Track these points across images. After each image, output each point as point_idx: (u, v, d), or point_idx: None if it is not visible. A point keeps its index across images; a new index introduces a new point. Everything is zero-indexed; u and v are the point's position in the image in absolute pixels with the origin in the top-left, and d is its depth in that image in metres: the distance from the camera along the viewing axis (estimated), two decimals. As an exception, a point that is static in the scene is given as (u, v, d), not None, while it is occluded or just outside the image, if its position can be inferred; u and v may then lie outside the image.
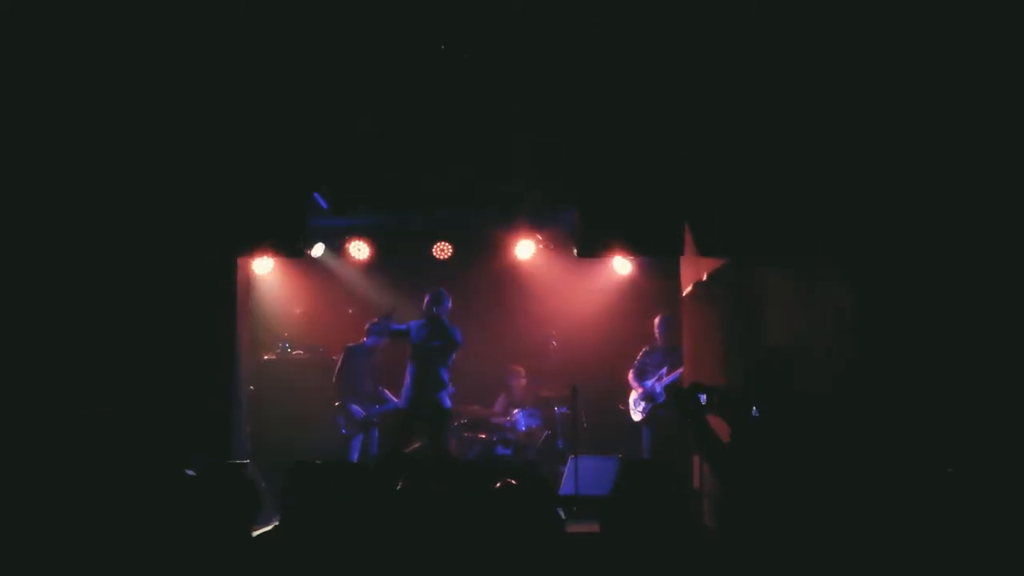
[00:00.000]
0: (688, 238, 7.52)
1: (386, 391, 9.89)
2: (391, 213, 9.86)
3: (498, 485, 4.28)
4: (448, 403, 8.77)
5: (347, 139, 7.50)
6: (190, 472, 5.93)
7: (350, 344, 9.92)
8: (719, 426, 4.98)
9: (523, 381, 10.70)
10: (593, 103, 7.03)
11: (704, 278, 7.44)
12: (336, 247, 10.45)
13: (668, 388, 9.26)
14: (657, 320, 9.58)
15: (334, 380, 9.83)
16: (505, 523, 4.15)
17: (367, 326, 9.90)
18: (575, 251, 7.93)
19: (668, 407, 9.16)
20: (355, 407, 9.65)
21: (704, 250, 7.21)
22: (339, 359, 9.93)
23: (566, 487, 8.55)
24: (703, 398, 5.12)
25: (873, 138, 5.56)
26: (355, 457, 9.58)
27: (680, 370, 8.96)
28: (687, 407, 5.01)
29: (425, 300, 8.84)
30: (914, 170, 5.39)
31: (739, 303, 6.79)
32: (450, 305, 8.88)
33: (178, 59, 6.63)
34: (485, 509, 4.26)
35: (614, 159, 7.33)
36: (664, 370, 9.39)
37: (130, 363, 7.11)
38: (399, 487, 4.96)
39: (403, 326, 8.90)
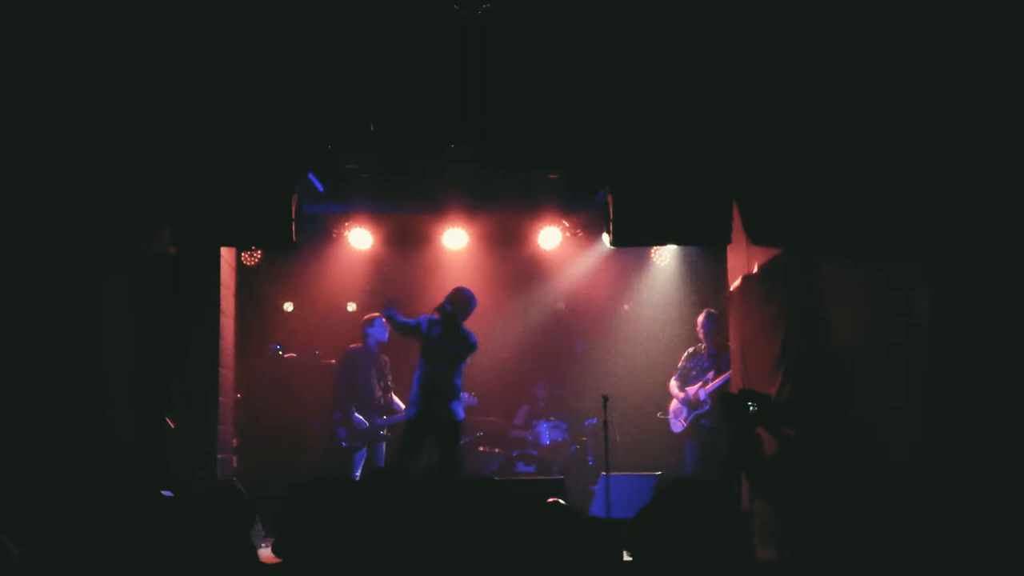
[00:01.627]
0: (737, 224, 7.45)
1: (395, 399, 9.83)
2: (396, 196, 9.77)
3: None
4: (462, 414, 8.64)
5: (346, 109, 7.42)
6: (167, 493, 5.92)
7: (352, 346, 9.87)
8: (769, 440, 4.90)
9: (546, 390, 10.66)
10: (630, 66, 6.94)
11: (755, 270, 7.38)
12: (334, 235, 10.39)
13: (715, 395, 9.17)
14: (701, 318, 9.49)
15: (334, 387, 9.78)
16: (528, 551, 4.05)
17: (362, 323, 9.85)
18: (608, 239, 7.82)
19: (714, 417, 9.09)
20: (358, 417, 9.60)
21: (756, 238, 7.13)
22: (339, 363, 9.87)
23: (596, 509, 8.50)
24: (753, 408, 5.05)
25: (967, 120, 5.46)
26: (358, 475, 9.51)
27: (727, 375, 8.90)
28: (734, 416, 4.94)
29: (448, 298, 8.61)
30: (1012, 158, 5.28)
31: (795, 299, 6.71)
32: (473, 311, 8.70)
33: (149, 34, 6.64)
34: (503, 535, 4.20)
35: (653, 132, 7.23)
36: (710, 375, 9.30)
37: (94, 369, 7.03)
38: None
39: (411, 320, 8.69)
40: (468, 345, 8.51)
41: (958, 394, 5.37)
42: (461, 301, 8.54)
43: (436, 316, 8.54)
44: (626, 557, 4.62)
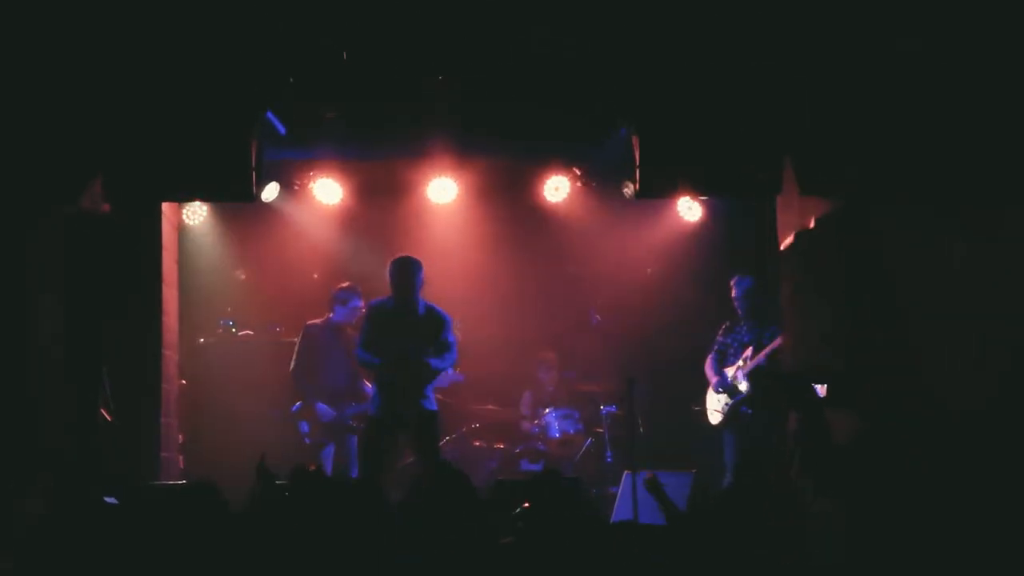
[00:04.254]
0: (789, 171, 7.44)
1: (368, 384, 9.86)
2: (371, 140, 9.74)
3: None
4: (434, 404, 8.77)
5: (310, 33, 7.39)
6: (111, 500, 5.96)
7: (310, 321, 9.91)
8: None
9: (555, 372, 10.67)
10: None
11: (811, 225, 7.36)
12: (296, 188, 10.38)
13: (753, 376, 9.22)
14: (733, 284, 9.50)
15: (291, 370, 9.82)
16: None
17: (333, 293, 9.86)
18: (631, 191, 7.80)
19: (755, 403, 9.15)
20: (322, 406, 9.63)
21: (813, 188, 7.13)
22: (297, 343, 9.91)
23: (620, 513, 8.55)
24: (821, 390, 5.10)
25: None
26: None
27: (768, 349, 8.99)
28: (799, 401, 4.97)
29: (389, 272, 8.72)
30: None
31: (861, 259, 6.70)
32: (423, 276, 8.76)
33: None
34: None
35: (688, 57, 7.20)
36: (748, 352, 9.33)
37: (17, 352, 7.05)
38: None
39: (366, 323, 8.88)
40: (435, 323, 8.69)
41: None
42: (401, 269, 8.69)
43: (387, 298, 8.79)
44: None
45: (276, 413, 10.01)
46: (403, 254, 8.82)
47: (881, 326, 6.40)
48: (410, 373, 8.62)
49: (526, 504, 4.49)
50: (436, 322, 8.75)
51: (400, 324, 8.67)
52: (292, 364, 9.82)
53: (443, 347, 8.74)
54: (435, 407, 8.83)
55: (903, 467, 5.15)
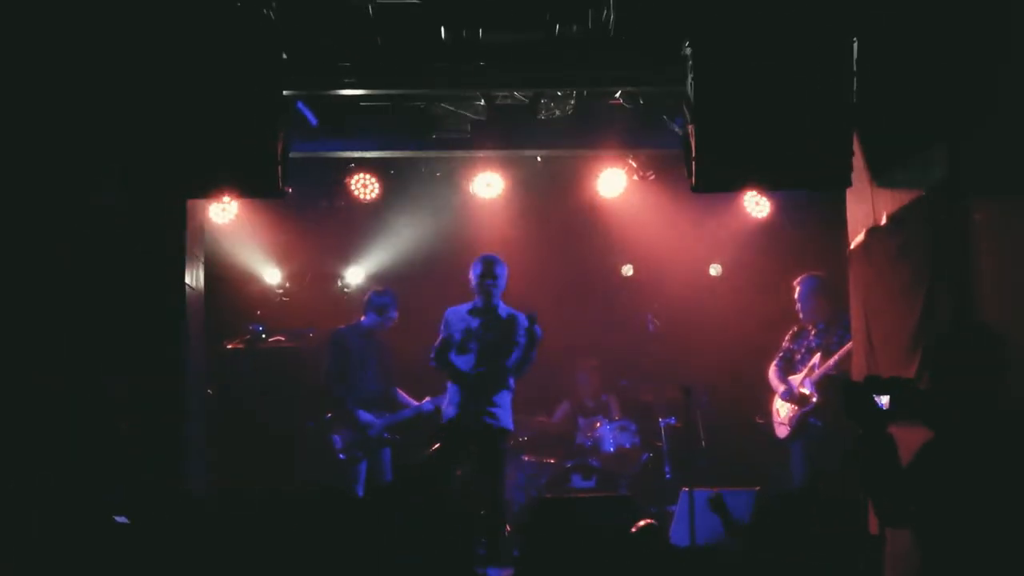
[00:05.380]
0: (860, 162, 7.33)
1: (401, 392, 9.91)
2: (411, 132, 9.77)
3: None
4: (511, 423, 8.90)
5: (344, 16, 7.40)
6: (122, 520, 6.00)
7: (340, 327, 10.01)
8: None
9: (596, 380, 10.74)
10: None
11: (883, 221, 7.30)
12: (332, 185, 10.43)
13: (821, 384, 9.17)
14: (797, 285, 9.46)
15: (324, 378, 9.89)
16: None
17: (368, 297, 9.96)
18: (692, 184, 7.76)
19: (825, 414, 9.10)
20: (364, 414, 9.64)
21: (886, 179, 7.06)
22: (327, 350, 9.99)
23: (677, 533, 8.55)
24: (883, 402, 5.02)
25: None
26: (362, 492, 9.60)
27: (839, 355, 8.98)
28: (856, 413, 4.90)
29: (472, 273, 8.79)
30: None
31: (939, 257, 6.61)
32: (506, 277, 8.83)
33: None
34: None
35: (751, 39, 7.10)
36: (816, 359, 9.27)
37: (31, 361, 7.12)
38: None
39: (442, 327, 8.91)
40: (516, 331, 8.79)
41: None
42: (486, 270, 8.82)
43: (470, 305, 8.89)
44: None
45: (310, 424, 10.08)
46: (487, 253, 8.96)
47: (964, 335, 6.29)
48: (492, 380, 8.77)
49: None
50: (517, 326, 8.84)
51: (486, 328, 8.82)
52: (325, 372, 9.89)
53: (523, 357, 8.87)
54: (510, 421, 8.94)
55: (981, 492, 5.05)
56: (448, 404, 8.89)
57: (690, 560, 7.79)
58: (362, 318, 9.91)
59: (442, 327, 8.87)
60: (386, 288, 9.92)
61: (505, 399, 8.83)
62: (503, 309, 8.87)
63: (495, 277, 8.79)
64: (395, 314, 9.79)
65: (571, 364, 10.75)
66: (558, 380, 10.56)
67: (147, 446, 7.64)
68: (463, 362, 8.80)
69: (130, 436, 7.57)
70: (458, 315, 8.88)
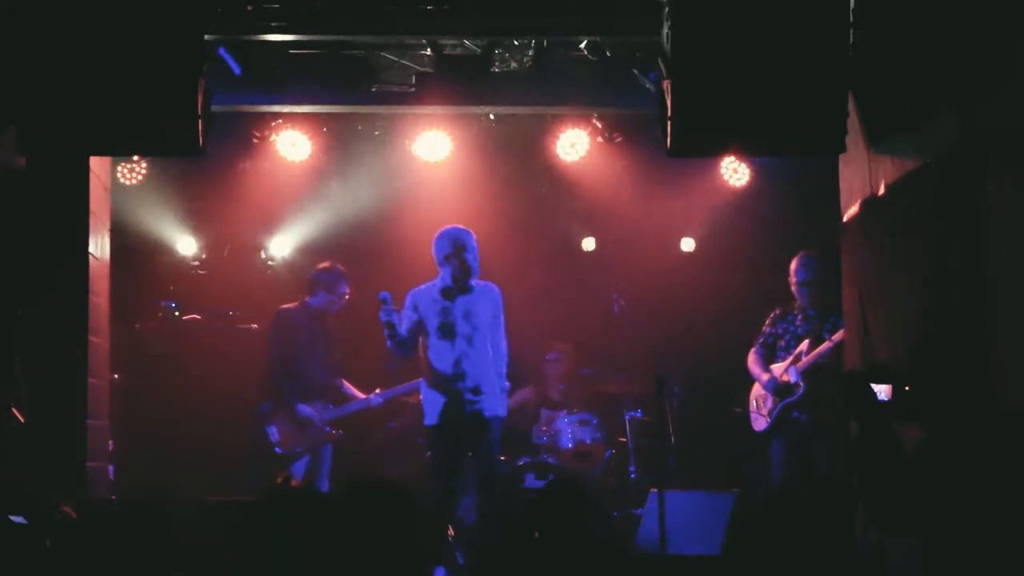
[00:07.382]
0: (856, 124, 7.35)
1: (346, 384, 9.94)
2: (346, 84, 9.73)
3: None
4: (504, 410, 9.00)
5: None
6: (17, 519, 5.95)
7: (284, 306, 9.95)
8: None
9: (565, 369, 10.71)
10: None
11: (882, 192, 7.32)
12: (255, 141, 10.41)
13: (810, 374, 9.21)
14: (795, 263, 9.49)
15: (268, 365, 9.84)
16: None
17: (314, 274, 9.90)
18: (667, 148, 7.77)
19: (811, 406, 9.15)
20: (304, 409, 9.61)
21: (886, 145, 7.09)
22: (269, 332, 9.94)
23: (645, 537, 8.56)
24: (883, 393, 5.07)
25: None
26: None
27: (830, 343, 9.00)
28: (859, 406, 4.93)
29: (440, 249, 8.81)
30: None
31: (952, 231, 6.62)
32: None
33: None
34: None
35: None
36: (804, 346, 9.32)
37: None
38: None
39: (409, 311, 8.86)
40: (496, 303, 8.92)
41: None
42: (456, 243, 8.85)
43: (439, 282, 8.88)
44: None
45: (230, 414, 10.03)
46: (452, 225, 8.96)
47: (972, 319, 6.33)
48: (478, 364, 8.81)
49: None
50: (494, 299, 8.95)
51: (466, 308, 8.84)
52: (268, 357, 9.85)
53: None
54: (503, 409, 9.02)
55: (989, 492, 5.09)
56: (428, 400, 8.87)
57: (660, 570, 7.84)
58: (308, 297, 9.86)
59: (408, 311, 8.83)
60: (332, 264, 9.85)
61: (493, 383, 8.86)
62: (476, 283, 8.90)
63: (472, 250, 8.85)
64: (346, 289, 9.74)
65: (534, 348, 10.69)
66: (514, 365, 10.58)
67: (43, 440, 7.61)
68: (443, 348, 8.79)
69: (24, 428, 7.52)
70: (428, 296, 8.86)
